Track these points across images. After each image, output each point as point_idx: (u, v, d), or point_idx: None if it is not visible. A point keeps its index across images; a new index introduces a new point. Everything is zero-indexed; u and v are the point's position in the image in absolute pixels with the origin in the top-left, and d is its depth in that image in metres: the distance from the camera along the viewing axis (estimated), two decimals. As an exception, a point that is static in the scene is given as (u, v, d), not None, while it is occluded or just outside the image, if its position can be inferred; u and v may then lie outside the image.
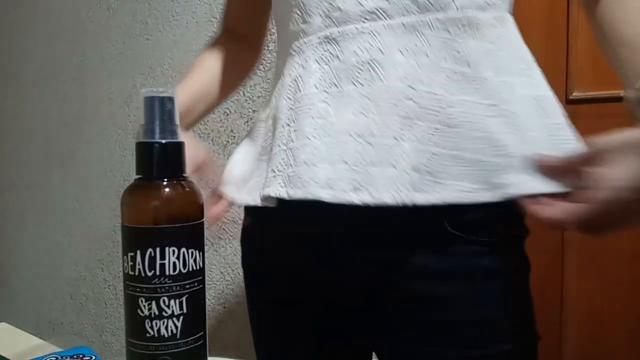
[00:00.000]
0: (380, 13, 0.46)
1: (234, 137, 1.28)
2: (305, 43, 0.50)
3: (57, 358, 0.68)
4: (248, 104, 1.24)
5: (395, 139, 0.44)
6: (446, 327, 0.48)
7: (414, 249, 0.48)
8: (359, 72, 0.46)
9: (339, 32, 0.47)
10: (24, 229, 1.96)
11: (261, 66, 1.21)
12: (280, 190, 0.48)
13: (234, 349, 1.30)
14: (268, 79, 1.20)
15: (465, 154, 0.44)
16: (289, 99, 0.50)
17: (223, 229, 1.31)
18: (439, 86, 0.44)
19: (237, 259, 1.29)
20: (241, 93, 1.25)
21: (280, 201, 0.49)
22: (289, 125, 0.49)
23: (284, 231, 0.55)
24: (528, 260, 0.51)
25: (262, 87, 1.21)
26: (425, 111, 0.44)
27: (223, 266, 1.31)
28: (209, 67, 0.67)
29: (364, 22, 0.46)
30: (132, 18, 1.50)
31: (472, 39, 0.45)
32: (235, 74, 0.69)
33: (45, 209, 1.85)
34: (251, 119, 1.24)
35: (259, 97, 1.22)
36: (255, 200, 0.53)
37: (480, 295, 0.47)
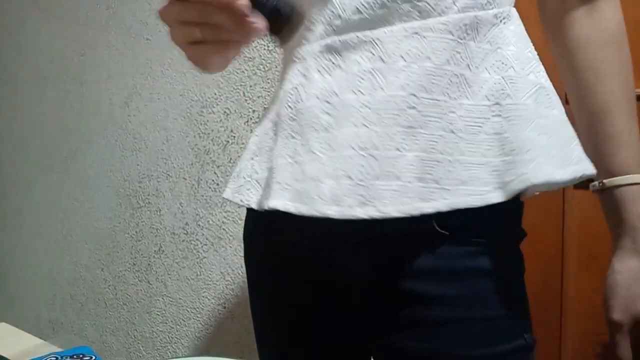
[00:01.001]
0: (381, 20, 0.45)
1: (234, 137, 1.28)
2: (307, 51, 0.49)
3: (57, 358, 0.69)
4: (248, 104, 1.24)
5: (399, 150, 0.44)
6: (438, 326, 0.48)
7: (408, 250, 0.48)
8: (360, 81, 0.46)
9: (339, 40, 0.47)
10: (24, 229, 1.96)
11: (261, 66, 1.21)
12: (288, 204, 0.48)
13: (234, 349, 1.30)
14: (268, 79, 1.20)
15: (471, 157, 0.44)
16: (290, 107, 0.50)
17: (223, 229, 1.31)
18: (440, 92, 0.44)
19: (237, 259, 1.29)
20: (241, 93, 1.25)
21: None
22: (293, 137, 0.49)
23: (282, 232, 0.55)
24: (523, 262, 0.51)
25: (262, 87, 1.22)
26: (427, 119, 0.44)
27: (223, 266, 1.31)
28: None
29: (364, 30, 0.46)
30: (132, 18, 1.50)
31: (473, 40, 0.45)
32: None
33: (45, 209, 1.85)
34: (251, 119, 1.24)
35: (258, 97, 1.22)
36: (243, 202, 0.54)
37: (473, 295, 0.47)
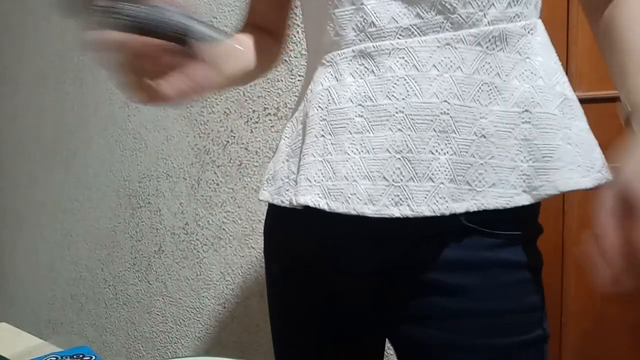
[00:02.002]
0: (415, 30, 0.47)
1: (234, 137, 1.28)
2: (339, 55, 0.51)
3: (57, 358, 0.68)
4: (248, 104, 1.24)
5: (432, 153, 0.46)
6: (460, 315, 0.50)
7: (432, 240, 0.50)
8: (394, 87, 0.48)
9: (374, 47, 0.49)
10: (24, 229, 1.96)
11: (261, 66, 1.21)
12: (319, 201, 0.50)
13: (234, 349, 1.30)
14: (268, 79, 1.20)
15: (501, 161, 0.47)
16: (321, 108, 0.52)
17: (223, 229, 1.31)
18: (471, 99, 0.46)
19: (237, 259, 1.29)
20: (241, 93, 1.25)
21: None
22: (323, 136, 0.51)
23: (301, 226, 0.57)
24: (541, 256, 0.53)
25: (262, 87, 1.22)
26: (460, 124, 0.46)
27: (223, 266, 1.31)
28: (245, 40, 0.65)
29: (399, 38, 0.48)
30: (132, 18, 1.50)
31: (502, 51, 0.47)
32: (264, 57, 0.68)
33: (45, 209, 1.85)
34: (251, 119, 1.24)
35: (258, 97, 1.22)
36: (284, 202, 0.55)
37: (495, 287, 0.49)
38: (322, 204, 0.50)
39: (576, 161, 0.47)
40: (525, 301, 0.50)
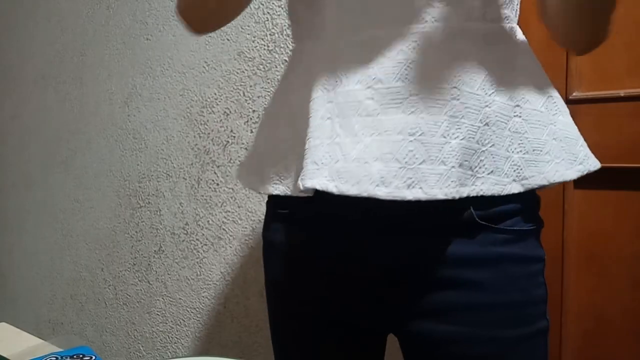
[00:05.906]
0: (427, 18, 0.49)
1: (234, 137, 1.28)
2: (344, 40, 0.52)
3: (57, 358, 0.68)
4: (248, 104, 1.24)
5: (444, 137, 0.47)
6: (472, 309, 0.51)
7: (443, 237, 0.51)
8: (406, 70, 0.48)
9: (384, 32, 0.50)
10: (24, 229, 1.96)
11: (261, 66, 1.21)
12: (327, 184, 0.49)
13: (234, 349, 1.30)
14: (268, 79, 1.20)
15: (497, 150, 0.48)
16: (327, 90, 0.51)
17: (223, 229, 1.31)
18: (478, 87, 0.48)
19: (237, 259, 1.29)
20: (241, 93, 1.25)
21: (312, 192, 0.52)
22: (330, 119, 0.51)
23: (311, 217, 0.57)
24: (544, 250, 0.55)
25: (262, 87, 1.22)
26: (469, 110, 0.47)
27: (223, 266, 1.31)
28: None
29: (410, 24, 0.49)
30: (132, 18, 1.50)
31: (503, 44, 0.51)
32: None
33: (45, 209, 1.85)
34: (251, 119, 1.24)
35: (258, 97, 1.22)
36: (293, 192, 0.54)
37: (505, 280, 0.51)
38: (331, 186, 0.48)
39: (561, 155, 0.50)
40: (533, 294, 0.52)
